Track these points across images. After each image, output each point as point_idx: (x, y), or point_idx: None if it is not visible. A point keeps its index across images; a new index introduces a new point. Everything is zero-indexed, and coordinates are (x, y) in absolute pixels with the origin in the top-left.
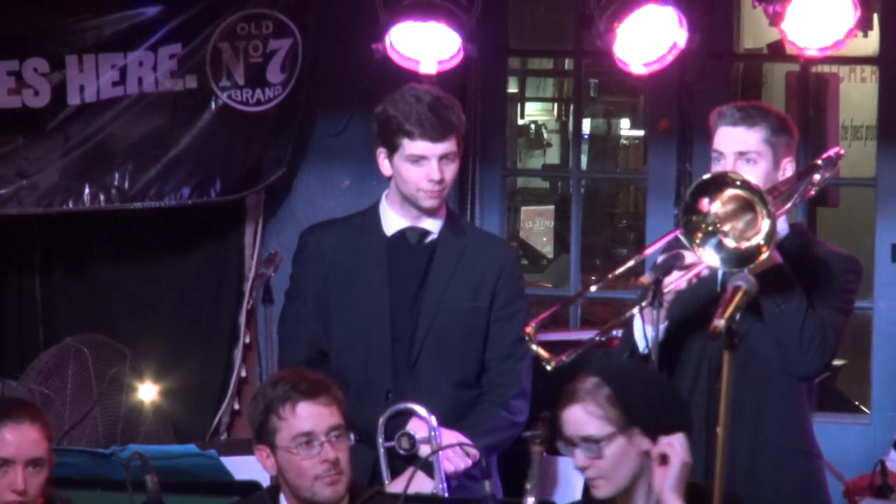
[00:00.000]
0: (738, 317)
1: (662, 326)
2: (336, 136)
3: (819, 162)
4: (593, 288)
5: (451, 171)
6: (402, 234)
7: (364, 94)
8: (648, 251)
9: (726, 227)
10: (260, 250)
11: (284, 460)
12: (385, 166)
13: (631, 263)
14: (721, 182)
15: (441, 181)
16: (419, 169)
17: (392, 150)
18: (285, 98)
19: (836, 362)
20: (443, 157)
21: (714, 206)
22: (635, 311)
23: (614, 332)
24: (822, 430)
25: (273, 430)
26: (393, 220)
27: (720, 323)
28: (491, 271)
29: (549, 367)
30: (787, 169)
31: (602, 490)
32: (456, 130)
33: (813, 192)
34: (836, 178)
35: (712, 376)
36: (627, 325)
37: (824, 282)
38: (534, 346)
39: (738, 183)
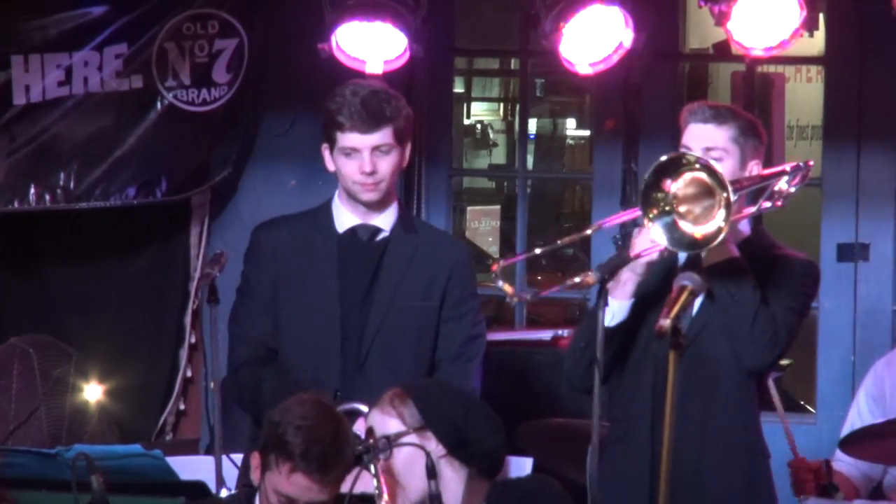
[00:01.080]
0: (694, 314)
1: (629, 303)
2: (282, 135)
3: (787, 167)
4: (538, 250)
5: (385, 163)
6: (353, 231)
7: (310, 94)
8: (605, 224)
9: (683, 209)
10: (205, 250)
11: (262, 490)
12: (329, 162)
13: (588, 232)
14: (679, 163)
15: (373, 173)
16: (352, 162)
17: (332, 144)
18: (231, 98)
19: (782, 362)
20: (375, 149)
21: (675, 187)
22: (577, 279)
23: (562, 332)
24: (767, 429)
25: (265, 462)
26: (345, 217)
27: (666, 322)
28: (443, 271)
29: (511, 303)
30: (754, 171)
31: (400, 497)
32: (391, 121)
33: (780, 203)
34: None
35: (659, 376)
36: (584, 319)
37: (781, 282)
38: (500, 282)
39: (697, 165)
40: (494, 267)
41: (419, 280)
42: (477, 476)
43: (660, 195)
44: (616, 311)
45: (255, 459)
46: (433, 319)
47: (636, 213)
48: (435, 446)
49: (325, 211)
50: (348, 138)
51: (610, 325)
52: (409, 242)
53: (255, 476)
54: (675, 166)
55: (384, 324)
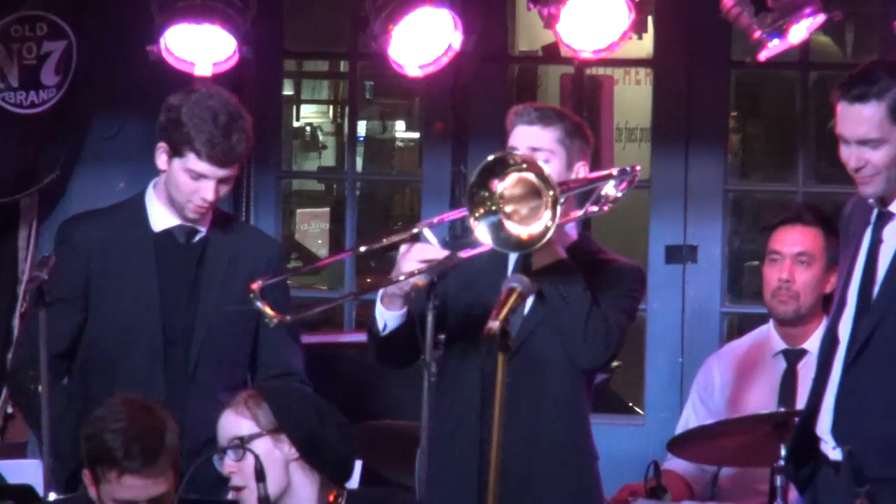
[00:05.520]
0: (525, 314)
1: (398, 314)
2: (111, 138)
3: (614, 171)
4: (363, 248)
5: (224, 190)
6: (169, 232)
7: (139, 96)
8: (431, 222)
9: (509, 209)
10: (34, 253)
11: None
12: (162, 160)
13: (414, 231)
14: (507, 163)
15: (213, 202)
16: (195, 184)
17: (174, 153)
18: (60, 100)
19: (611, 364)
20: (221, 181)
21: (501, 186)
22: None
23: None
24: (596, 430)
25: (96, 477)
26: (161, 215)
27: (495, 324)
28: (260, 268)
29: (271, 325)
30: (581, 173)
31: (249, 500)
32: (241, 156)
33: (607, 208)
34: None
35: (487, 376)
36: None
37: (610, 286)
38: (258, 304)
39: (524, 165)
40: (254, 286)
41: (241, 280)
42: (329, 482)
43: (486, 194)
44: (388, 319)
45: (87, 477)
46: (254, 318)
47: (463, 212)
48: (288, 449)
49: (136, 206)
50: (200, 165)
51: (382, 334)
52: (227, 242)
53: (92, 493)
54: (503, 166)
55: (212, 328)
